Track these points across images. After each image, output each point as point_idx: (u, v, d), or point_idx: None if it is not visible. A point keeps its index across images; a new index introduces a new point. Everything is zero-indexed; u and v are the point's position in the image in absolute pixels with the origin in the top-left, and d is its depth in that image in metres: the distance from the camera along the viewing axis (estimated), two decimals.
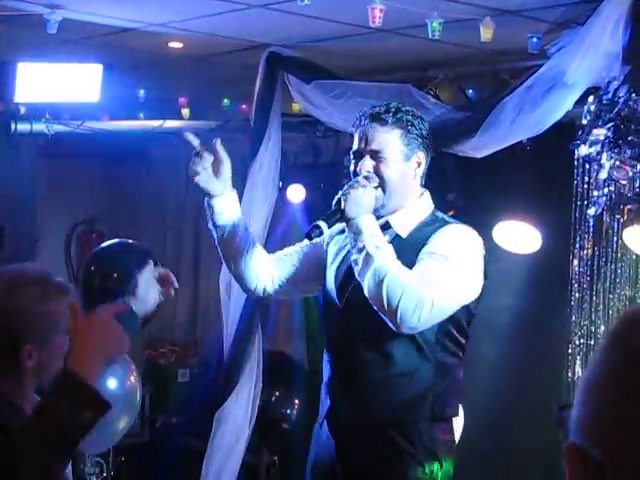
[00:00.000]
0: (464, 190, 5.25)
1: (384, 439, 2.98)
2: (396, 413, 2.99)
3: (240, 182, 5.06)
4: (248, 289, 3.31)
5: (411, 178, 3.05)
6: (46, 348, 2.27)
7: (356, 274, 2.92)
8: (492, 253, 4.28)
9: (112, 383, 4.48)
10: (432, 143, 3.12)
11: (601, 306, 3.94)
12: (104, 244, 3.71)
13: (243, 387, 4.74)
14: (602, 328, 3.94)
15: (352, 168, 3.07)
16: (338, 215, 2.95)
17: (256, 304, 4.71)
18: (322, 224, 2.94)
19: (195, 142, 3.06)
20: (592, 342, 3.97)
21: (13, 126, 5.55)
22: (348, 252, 3.02)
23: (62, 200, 7.24)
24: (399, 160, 3.02)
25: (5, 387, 2.26)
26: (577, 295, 3.97)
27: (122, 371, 4.54)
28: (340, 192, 2.97)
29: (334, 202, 2.97)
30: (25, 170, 5.92)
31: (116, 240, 3.72)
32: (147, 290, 3.30)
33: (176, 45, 5.01)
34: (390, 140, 3.01)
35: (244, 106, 5.83)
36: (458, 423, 3.22)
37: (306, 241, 3.17)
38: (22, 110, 5.60)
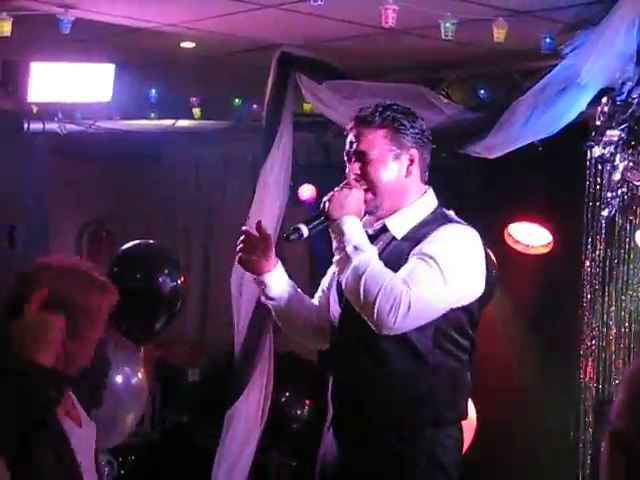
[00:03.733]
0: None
1: (385, 445, 2.91)
2: (395, 419, 2.92)
3: (252, 182, 5.09)
4: (315, 346, 3.38)
5: (404, 177, 2.96)
6: (76, 340, 2.30)
7: (337, 275, 2.91)
8: (504, 254, 4.28)
9: (120, 380, 4.49)
10: (429, 139, 3.02)
11: (613, 307, 3.93)
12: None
13: (254, 387, 4.73)
14: (614, 329, 3.93)
15: (347, 172, 3.02)
16: (322, 217, 2.91)
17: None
18: (302, 227, 2.90)
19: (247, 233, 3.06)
20: (604, 343, 3.96)
21: (26, 126, 5.57)
22: None
23: (73, 199, 7.25)
24: (387, 160, 2.94)
25: None
26: (589, 296, 3.96)
27: (130, 369, 4.54)
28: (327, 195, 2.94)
29: (321, 205, 2.94)
30: (37, 169, 5.93)
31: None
32: None
33: (188, 45, 5.02)
34: (375, 141, 2.93)
35: (255, 106, 5.83)
36: (468, 424, 3.18)
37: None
38: (35, 110, 5.62)
